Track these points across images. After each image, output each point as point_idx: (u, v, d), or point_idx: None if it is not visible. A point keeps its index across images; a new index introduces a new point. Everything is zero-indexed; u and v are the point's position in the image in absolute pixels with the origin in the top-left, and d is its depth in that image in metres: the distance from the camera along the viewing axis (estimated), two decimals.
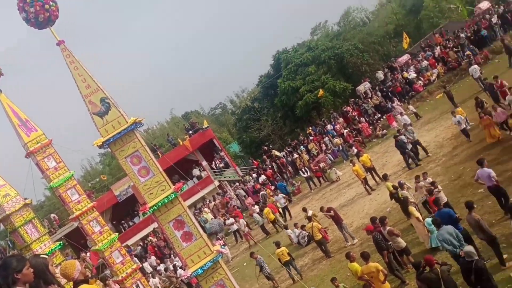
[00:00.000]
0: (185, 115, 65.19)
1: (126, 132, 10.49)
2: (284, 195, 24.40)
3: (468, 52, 29.33)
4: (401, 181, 15.74)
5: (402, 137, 20.57)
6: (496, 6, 35.04)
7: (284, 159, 31.76)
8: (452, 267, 10.17)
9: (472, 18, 38.96)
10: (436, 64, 31.86)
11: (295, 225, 19.71)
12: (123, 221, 35.50)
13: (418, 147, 20.77)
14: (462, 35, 31.80)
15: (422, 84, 31.22)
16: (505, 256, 10.84)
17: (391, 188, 15.92)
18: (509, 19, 31.02)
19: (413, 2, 50.77)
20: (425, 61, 32.69)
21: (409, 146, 20.50)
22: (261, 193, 27.13)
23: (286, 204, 23.97)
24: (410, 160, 20.38)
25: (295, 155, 30.71)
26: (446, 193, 14.51)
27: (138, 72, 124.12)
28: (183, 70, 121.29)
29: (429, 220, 12.52)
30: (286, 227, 20.19)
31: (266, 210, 23.11)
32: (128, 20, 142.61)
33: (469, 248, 9.51)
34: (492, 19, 31.34)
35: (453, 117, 19.37)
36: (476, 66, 25.31)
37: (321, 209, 17.73)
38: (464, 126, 19.15)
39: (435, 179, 15.51)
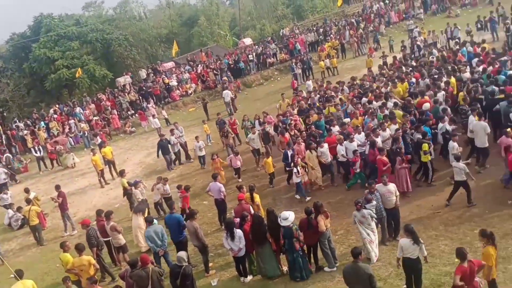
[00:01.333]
0: None
1: None
2: (6, 171, 21.61)
3: (225, 78, 32.04)
4: (137, 180, 15.86)
5: (172, 138, 19.98)
6: (256, 46, 39.60)
7: (16, 131, 28.30)
8: (165, 271, 10.55)
9: (235, 48, 42.98)
10: (196, 79, 33.74)
11: (11, 205, 17.58)
12: None
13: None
14: (224, 61, 34.66)
15: (179, 94, 32.56)
16: (210, 264, 11.91)
17: (126, 185, 15.78)
18: (263, 60, 35.39)
19: (190, 15, 53.00)
20: (187, 74, 34.28)
21: (176, 149, 20.25)
22: (5, 155, 23.79)
23: (7, 180, 21.26)
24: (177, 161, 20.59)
25: (26, 131, 27.69)
26: (175, 199, 15.05)
27: None
28: None
29: None
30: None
31: None
32: None
33: (181, 254, 10.01)
34: (250, 56, 35.16)
35: (196, 142, 19.34)
36: (228, 91, 27.67)
37: (57, 187, 16.22)
38: (203, 153, 19.31)
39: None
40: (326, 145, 14.98)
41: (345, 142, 14.57)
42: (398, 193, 11.27)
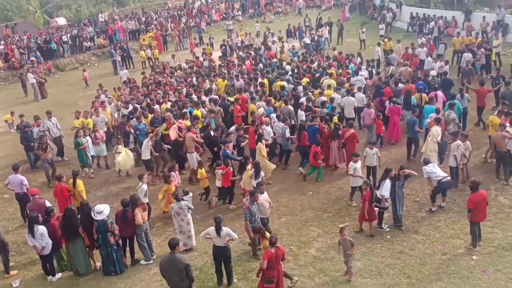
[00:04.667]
0: None
1: None
2: None
3: (33, 58, 29.02)
4: None
5: (35, 129, 15.95)
6: (71, 27, 36.91)
7: None
8: None
9: (47, 27, 39.36)
10: None
11: None
12: None
13: None
14: (33, 40, 31.38)
15: None
16: (11, 264, 10.68)
17: None
18: (78, 43, 33.12)
19: None
20: None
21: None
22: None
23: None
24: None
25: None
26: None
27: None
28: None
29: None
30: None
31: None
32: None
33: None
34: (63, 37, 32.48)
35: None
36: (31, 74, 24.99)
37: None
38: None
39: None
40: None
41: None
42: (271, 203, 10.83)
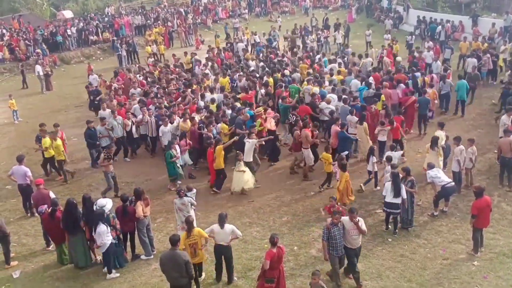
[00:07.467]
0: None
1: None
2: None
3: (38, 50, 29.06)
4: None
5: (100, 128, 15.31)
6: (77, 20, 36.83)
7: None
8: None
9: (53, 20, 39.39)
10: (2, 48, 29.81)
11: None
12: None
13: None
14: (39, 32, 31.39)
15: None
16: (12, 255, 10.69)
17: None
18: (85, 37, 33.11)
19: None
20: None
21: (104, 143, 15.20)
22: None
23: None
24: None
25: None
26: None
27: None
28: None
29: None
30: None
31: None
32: None
33: None
34: (69, 30, 32.44)
35: None
36: (39, 66, 25.04)
37: None
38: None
39: None
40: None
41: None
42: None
